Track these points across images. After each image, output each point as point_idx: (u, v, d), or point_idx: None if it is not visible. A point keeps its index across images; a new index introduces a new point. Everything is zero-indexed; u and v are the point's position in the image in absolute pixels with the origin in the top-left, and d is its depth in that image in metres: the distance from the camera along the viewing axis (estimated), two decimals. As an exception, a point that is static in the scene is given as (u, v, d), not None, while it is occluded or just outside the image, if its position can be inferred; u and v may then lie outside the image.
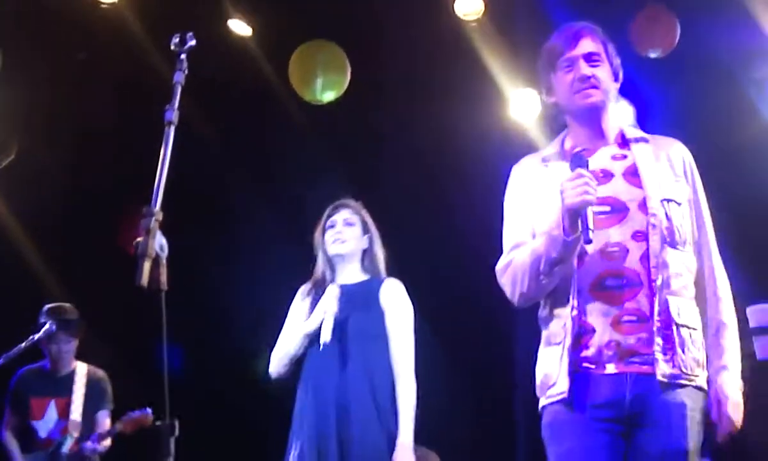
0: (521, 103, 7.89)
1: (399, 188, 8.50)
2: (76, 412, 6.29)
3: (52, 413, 6.29)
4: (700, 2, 7.13)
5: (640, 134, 3.60)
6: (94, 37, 7.48)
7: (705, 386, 3.39)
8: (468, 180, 8.26)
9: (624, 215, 3.37)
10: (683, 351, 3.30)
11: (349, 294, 4.75)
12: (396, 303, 4.74)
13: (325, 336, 4.60)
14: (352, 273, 4.89)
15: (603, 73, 3.53)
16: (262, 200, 8.51)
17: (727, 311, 3.49)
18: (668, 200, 3.41)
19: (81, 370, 6.44)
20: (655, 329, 3.29)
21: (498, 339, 8.50)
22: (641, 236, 3.34)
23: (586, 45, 3.54)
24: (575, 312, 3.34)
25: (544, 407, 3.47)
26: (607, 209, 3.37)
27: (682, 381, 3.30)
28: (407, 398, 4.55)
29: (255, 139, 8.44)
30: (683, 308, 3.35)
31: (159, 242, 2.80)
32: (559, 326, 3.41)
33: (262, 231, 8.52)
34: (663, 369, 3.27)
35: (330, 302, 4.70)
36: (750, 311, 3.36)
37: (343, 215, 4.96)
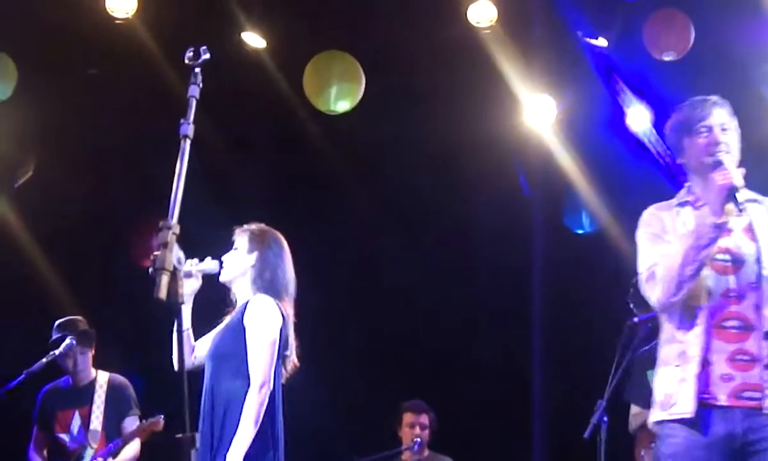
0: (535, 109, 7.87)
1: (413, 196, 8.51)
2: (96, 422, 6.30)
3: (76, 423, 6.33)
4: (713, 2, 7.11)
5: (753, 195, 4.04)
6: (108, 53, 7.50)
7: None
8: (483, 185, 8.26)
9: (741, 266, 3.88)
10: None
11: (232, 317, 4.82)
12: (252, 320, 4.68)
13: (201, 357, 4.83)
14: (242, 294, 4.88)
15: (732, 141, 4.00)
16: (278, 211, 8.52)
17: None
18: None
19: (101, 378, 6.45)
20: (763, 368, 3.78)
21: (515, 343, 8.51)
22: (755, 286, 3.85)
23: (720, 116, 4.01)
24: (697, 349, 3.82)
25: (662, 422, 3.93)
26: (729, 258, 3.89)
27: None
28: (245, 414, 4.51)
29: (269, 151, 8.45)
30: None
31: (176, 256, 2.81)
32: (676, 352, 3.90)
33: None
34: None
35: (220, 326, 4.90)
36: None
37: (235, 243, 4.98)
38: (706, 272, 3.84)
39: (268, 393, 4.58)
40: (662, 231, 4.00)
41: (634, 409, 6.29)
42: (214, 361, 4.73)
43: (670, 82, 7.45)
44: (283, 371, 4.80)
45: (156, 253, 2.79)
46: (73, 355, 6.30)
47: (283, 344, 4.71)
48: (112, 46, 7.38)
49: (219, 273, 4.91)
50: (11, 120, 7.67)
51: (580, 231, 8.86)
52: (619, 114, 7.79)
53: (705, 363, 3.81)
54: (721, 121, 3.99)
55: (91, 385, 6.41)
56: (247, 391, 4.55)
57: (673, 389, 3.87)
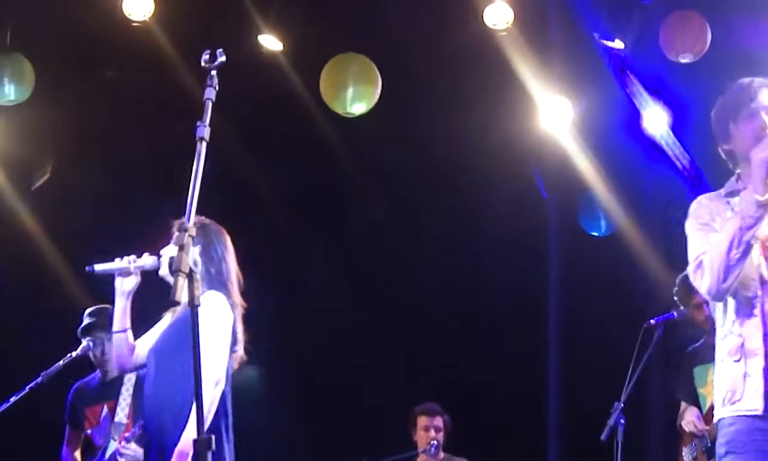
0: (552, 111, 7.86)
1: (430, 199, 8.51)
2: (122, 414, 6.24)
3: (105, 418, 6.31)
4: (729, 3, 7.09)
5: None
6: (125, 55, 7.53)
7: None
8: (499, 188, 8.26)
9: None
10: None
11: (180, 314, 4.70)
12: (203, 317, 4.58)
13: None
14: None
15: None
16: (294, 212, 8.55)
17: None
18: None
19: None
20: None
21: (531, 345, 8.50)
22: None
23: (766, 98, 3.82)
24: (762, 336, 3.65)
25: (724, 418, 3.72)
26: None
27: None
28: (197, 405, 4.45)
29: (286, 153, 8.47)
30: None
31: (192, 258, 2.81)
32: (735, 345, 3.71)
33: (295, 244, 8.55)
34: None
35: (159, 324, 4.83)
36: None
37: None
38: (759, 260, 3.67)
39: (221, 390, 4.47)
40: (711, 221, 3.80)
41: (683, 405, 6.37)
42: (158, 356, 4.63)
43: (687, 84, 7.44)
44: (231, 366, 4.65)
45: (172, 255, 2.79)
46: (101, 346, 6.26)
47: (233, 341, 4.59)
48: (129, 48, 7.40)
49: (158, 269, 4.77)
50: (29, 122, 7.70)
51: (595, 233, 8.85)
52: (635, 116, 7.77)
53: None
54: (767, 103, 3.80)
55: (120, 378, 6.36)
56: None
57: (736, 385, 3.68)
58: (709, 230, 3.76)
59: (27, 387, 5.68)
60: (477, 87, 7.75)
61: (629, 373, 5.44)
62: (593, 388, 6.47)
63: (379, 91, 7.70)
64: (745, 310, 3.70)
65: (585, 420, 6.07)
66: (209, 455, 2.83)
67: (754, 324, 3.67)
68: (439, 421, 7.25)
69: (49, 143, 8.14)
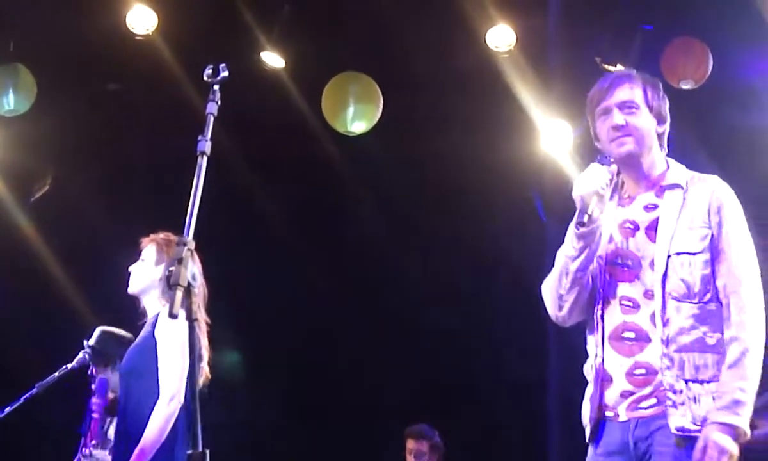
0: (553, 135, 7.87)
1: (430, 220, 8.52)
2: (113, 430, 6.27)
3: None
4: (731, 31, 7.11)
5: (677, 179, 3.61)
6: (128, 68, 7.54)
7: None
8: (498, 210, 8.27)
9: (637, 272, 3.50)
10: (695, 403, 3.36)
11: (142, 335, 4.74)
12: (163, 333, 4.58)
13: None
14: (152, 307, 4.79)
15: (638, 120, 3.59)
16: (294, 228, 8.55)
17: (736, 347, 3.38)
18: (679, 254, 3.46)
19: None
20: (666, 384, 3.38)
21: (528, 364, 8.50)
22: (650, 294, 3.46)
23: (621, 93, 3.61)
24: (599, 360, 3.54)
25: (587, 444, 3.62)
26: (629, 263, 3.53)
27: (693, 434, 3.32)
28: (150, 425, 4.40)
29: (286, 170, 8.47)
30: (694, 362, 3.40)
31: (191, 272, 2.81)
32: (588, 369, 3.63)
33: (295, 259, 8.54)
34: (675, 422, 3.35)
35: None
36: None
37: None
38: (606, 279, 3.54)
39: (178, 406, 4.46)
40: None
41: None
42: (127, 378, 4.66)
43: (688, 110, 7.44)
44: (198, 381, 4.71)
45: (171, 269, 2.79)
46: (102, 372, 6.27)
47: (197, 357, 4.64)
48: (132, 62, 7.42)
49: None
50: (29, 133, 7.71)
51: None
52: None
53: (606, 379, 3.49)
54: (623, 99, 3.60)
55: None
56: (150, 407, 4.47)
57: (585, 410, 3.61)
58: None
59: (22, 398, 5.68)
60: (478, 109, 7.76)
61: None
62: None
63: (380, 110, 7.72)
64: (591, 329, 3.62)
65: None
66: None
67: (597, 345, 3.55)
68: (423, 445, 7.15)
69: (50, 154, 8.14)
